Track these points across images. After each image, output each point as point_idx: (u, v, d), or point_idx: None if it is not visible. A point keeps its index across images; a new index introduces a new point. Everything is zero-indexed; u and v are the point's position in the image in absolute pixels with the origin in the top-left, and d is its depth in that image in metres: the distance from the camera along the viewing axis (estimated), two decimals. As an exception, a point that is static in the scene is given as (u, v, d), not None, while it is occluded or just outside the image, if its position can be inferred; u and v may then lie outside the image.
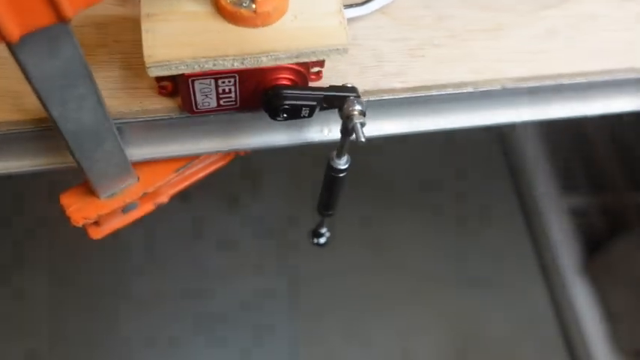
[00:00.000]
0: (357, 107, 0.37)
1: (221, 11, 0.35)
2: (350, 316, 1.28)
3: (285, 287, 1.29)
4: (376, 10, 0.44)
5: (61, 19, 0.27)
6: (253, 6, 0.35)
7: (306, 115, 0.38)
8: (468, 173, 1.45)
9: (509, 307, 1.34)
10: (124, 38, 0.41)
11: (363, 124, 0.37)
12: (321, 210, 0.47)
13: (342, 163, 0.42)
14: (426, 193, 1.42)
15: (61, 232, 1.16)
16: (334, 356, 1.25)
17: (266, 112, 0.37)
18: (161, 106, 0.39)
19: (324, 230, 0.50)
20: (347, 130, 0.38)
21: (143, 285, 1.25)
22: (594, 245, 1.36)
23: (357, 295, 1.30)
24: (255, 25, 0.35)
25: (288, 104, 0.36)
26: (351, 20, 0.43)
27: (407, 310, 1.31)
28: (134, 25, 0.40)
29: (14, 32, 0.26)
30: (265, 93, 0.36)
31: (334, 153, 0.42)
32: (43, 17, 0.27)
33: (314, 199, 0.46)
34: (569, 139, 1.48)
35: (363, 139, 0.36)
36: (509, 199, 1.46)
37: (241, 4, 0.35)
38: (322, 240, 0.51)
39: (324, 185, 0.44)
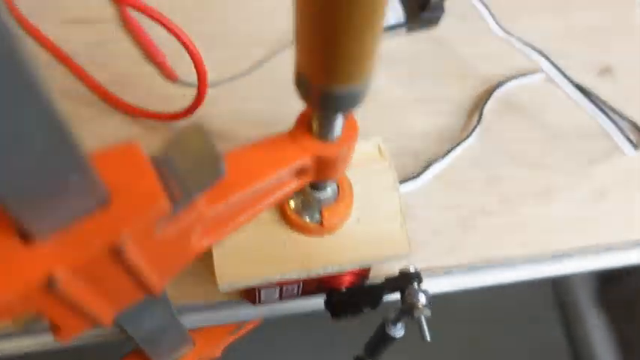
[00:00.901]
0: (422, 300, 0.36)
1: (287, 220, 0.36)
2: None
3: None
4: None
5: (151, 295, 0.28)
6: (319, 217, 0.35)
7: (370, 308, 0.38)
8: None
9: (523, 337, 1.35)
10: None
11: (427, 317, 0.36)
12: (367, 354, 0.48)
13: (397, 330, 0.42)
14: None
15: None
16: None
17: (328, 311, 0.38)
18: (225, 298, 0.40)
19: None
20: (407, 309, 0.37)
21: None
22: (609, 277, 1.37)
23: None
24: (320, 235, 0.36)
25: (350, 309, 0.37)
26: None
27: (418, 336, 1.32)
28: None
29: (108, 318, 0.27)
30: (328, 300, 0.37)
31: (391, 316, 0.41)
32: (134, 296, 0.28)
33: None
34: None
35: (428, 339, 0.36)
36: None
37: (307, 216, 0.35)
38: None
39: (374, 338, 0.45)
